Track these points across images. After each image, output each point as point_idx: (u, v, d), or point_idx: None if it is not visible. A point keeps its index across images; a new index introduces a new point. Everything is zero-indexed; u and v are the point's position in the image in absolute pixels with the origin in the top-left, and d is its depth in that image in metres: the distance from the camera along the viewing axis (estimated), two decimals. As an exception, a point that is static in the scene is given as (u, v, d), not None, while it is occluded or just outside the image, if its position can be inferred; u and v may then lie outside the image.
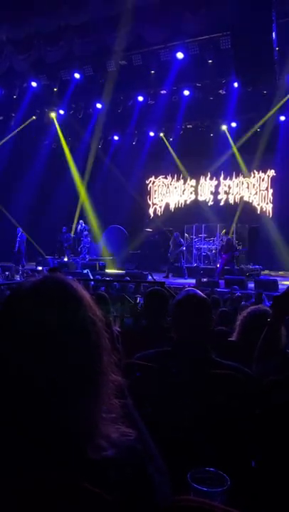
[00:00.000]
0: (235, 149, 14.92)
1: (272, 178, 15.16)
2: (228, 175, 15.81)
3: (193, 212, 15.93)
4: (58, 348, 0.81)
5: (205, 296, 1.83)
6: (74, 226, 15.93)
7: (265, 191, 15.30)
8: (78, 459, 0.79)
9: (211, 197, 16.12)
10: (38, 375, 0.79)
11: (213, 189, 16.11)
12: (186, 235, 15.09)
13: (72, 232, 15.77)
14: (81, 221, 15.49)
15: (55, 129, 15.93)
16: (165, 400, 1.50)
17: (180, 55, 11.33)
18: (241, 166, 15.22)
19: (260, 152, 14.34)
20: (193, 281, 11.40)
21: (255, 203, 15.43)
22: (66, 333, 0.82)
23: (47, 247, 15.85)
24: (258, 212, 15.30)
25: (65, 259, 14.75)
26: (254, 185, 15.48)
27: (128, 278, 10.04)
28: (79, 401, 0.82)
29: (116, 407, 0.91)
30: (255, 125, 14.11)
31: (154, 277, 10.20)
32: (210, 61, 11.10)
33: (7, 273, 11.24)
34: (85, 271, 11.93)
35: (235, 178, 15.75)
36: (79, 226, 15.31)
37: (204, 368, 1.60)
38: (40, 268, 13.13)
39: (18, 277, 10.93)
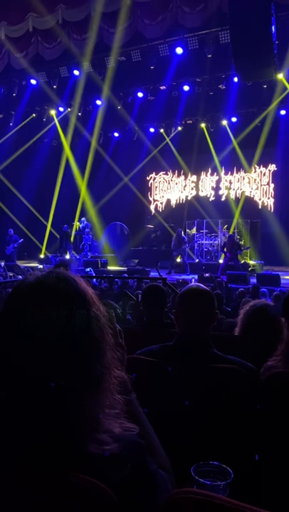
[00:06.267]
0: (236, 144, 14.88)
1: (274, 173, 15.12)
2: (229, 170, 15.77)
3: (194, 208, 15.91)
4: (60, 343, 0.81)
5: (209, 290, 1.84)
6: (75, 223, 15.93)
7: (267, 186, 15.26)
8: (79, 453, 0.79)
9: (212, 192, 16.09)
10: (39, 370, 0.79)
11: (214, 184, 16.08)
12: (188, 230, 15.07)
13: (74, 230, 15.76)
14: (83, 218, 15.48)
15: (55, 126, 15.90)
16: (167, 393, 1.51)
17: (179, 50, 11.26)
18: (243, 161, 15.19)
19: (260, 147, 14.30)
20: (196, 276, 11.39)
21: (256, 198, 15.40)
22: (69, 328, 0.82)
23: (48, 245, 15.86)
24: (260, 206, 15.27)
25: (67, 257, 14.75)
26: (255, 179, 15.44)
27: (126, 275, 10.04)
28: (81, 396, 0.82)
29: (119, 402, 0.91)
30: (256, 119, 14.05)
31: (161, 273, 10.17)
32: (209, 56, 11.03)
33: (11, 274, 11.17)
34: (88, 269, 11.94)
35: (237, 173, 15.71)
36: (81, 223, 15.31)
37: (206, 362, 1.60)
38: (41, 266, 13.12)
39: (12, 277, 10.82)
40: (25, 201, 15.65)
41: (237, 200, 15.50)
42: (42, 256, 15.32)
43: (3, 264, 11.82)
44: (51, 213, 15.96)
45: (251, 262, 13.33)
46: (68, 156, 16.19)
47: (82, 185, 16.37)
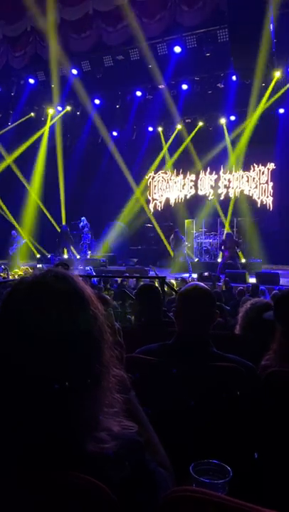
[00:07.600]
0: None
1: (272, 171, 15.12)
2: (228, 169, 15.76)
3: (193, 206, 15.90)
4: (59, 343, 0.81)
5: (208, 289, 1.84)
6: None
7: (265, 184, 15.25)
8: (79, 453, 0.79)
9: (211, 191, 16.08)
10: (39, 370, 0.79)
11: (213, 183, 16.07)
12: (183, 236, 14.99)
13: (71, 228, 15.71)
14: (83, 218, 15.46)
15: (54, 125, 15.87)
16: (166, 392, 1.51)
17: (178, 49, 11.25)
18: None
19: (259, 145, 14.29)
20: (195, 275, 11.40)
21: (255, 197, 15.40)
22: (68, 327, 0.82)
23: (47, 245, 15.84)
24: (258, 205, 15.27)
25: (65, 256, 14.74)
26: (254, 178, 15.44)
27: (127, 274, 10.06)
28: (81, 395, 0.82)
29: (118, 401, 0.91)
30: (254, 118, 14.04)
31: (157, 272, 10.20)
32: (208, 54, 11.01)
33: (9, 273, 11.18)
34: (88, 268, 11.95)
35: (235, 171, 15.70)
36: (80, 223, 15.30)
37: (205, 360, 1.60)
38: (40, 265, 13.12)
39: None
40: (24, 200, 15.62)
41: (236, 198, 15.49)
42: (38, 255, 15.31)
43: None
44: (50, 213, 15.92)
45: (250, 261, 13.33)
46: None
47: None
